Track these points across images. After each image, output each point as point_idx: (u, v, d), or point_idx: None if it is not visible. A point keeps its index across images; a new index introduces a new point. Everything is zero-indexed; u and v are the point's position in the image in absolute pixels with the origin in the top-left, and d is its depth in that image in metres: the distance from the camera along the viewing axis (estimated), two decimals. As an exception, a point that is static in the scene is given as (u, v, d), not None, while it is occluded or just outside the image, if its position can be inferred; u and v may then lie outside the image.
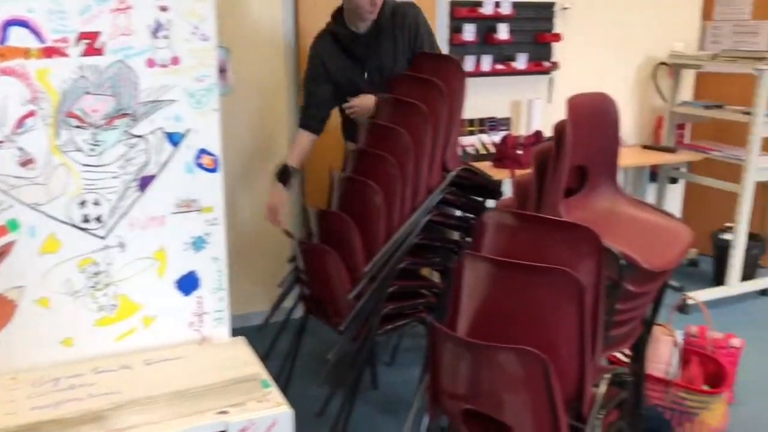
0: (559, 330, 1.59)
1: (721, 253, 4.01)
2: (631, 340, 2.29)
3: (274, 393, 1.82)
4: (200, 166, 2.02)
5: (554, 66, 3.85)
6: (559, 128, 2.07)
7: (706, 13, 4.36)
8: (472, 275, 1.72)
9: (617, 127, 2.27)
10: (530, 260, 1.66)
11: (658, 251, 2.11)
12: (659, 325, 2.59)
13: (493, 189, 2.52)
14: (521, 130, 3.89)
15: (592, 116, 2.21)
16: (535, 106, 3.85)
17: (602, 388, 1.65)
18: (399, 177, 2.27)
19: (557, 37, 3.80)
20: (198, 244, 2.07)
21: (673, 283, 4.01)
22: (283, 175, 2.76)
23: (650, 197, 4.41)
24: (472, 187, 2.52)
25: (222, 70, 3.01)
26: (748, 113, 3.66)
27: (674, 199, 4.52)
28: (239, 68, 3.21)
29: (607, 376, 1.70)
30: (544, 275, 1.58)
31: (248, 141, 3.35)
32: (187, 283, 2.08)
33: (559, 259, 1.67)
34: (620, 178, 4.28)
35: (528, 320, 1.63)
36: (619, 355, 2.62)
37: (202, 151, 2.02)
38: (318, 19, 2.79)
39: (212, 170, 2.04)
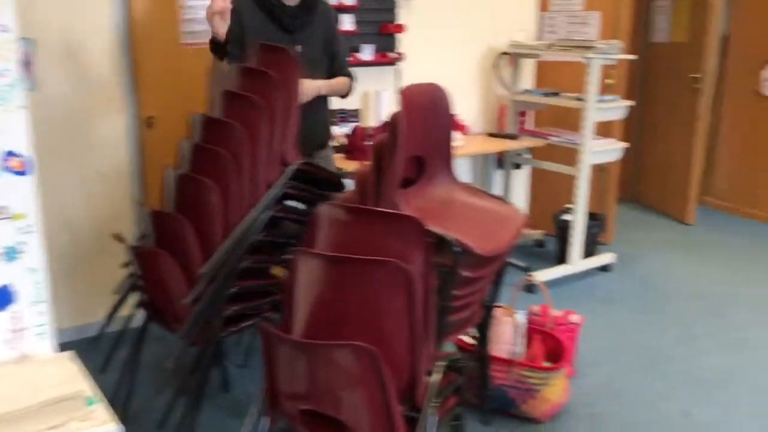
0: (391, 322, 1.59)
1: (563, 233, 4.22)
2: (472, 324, 2.35)
3: (100, 410, 1.70)
4: (8, 169, 1.84)
5: (400, 57, 3.88)
6: (394, 119, 2.07)
7: (543, 4, 4.56)
8: (305, 272, 1.68)
9: (450, 117, 2.31)
10: (364, 254, 1.65)
11: (491, 236, 2.17)
12: (500, 307, 2.68)
13: (335, 182, 2.49)
14: (371, 121, 3.90)
15: (426, 106, 2.23)
16: (383, 98, 3.88)
17: (436, 376, 1.67)
18: (235, 173, 2.19)
19: (400, 28, 3.83)
20: (10, 254, 1.89)
21: (520, 263, 4.18)
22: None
23: (497, 183, 4.58)
24: (317, 180, 2.49)
25: (27, 64, 2.78)
26: (581, 100, 3.87)
27: (520, 183, 4.72)
28: (54, 60, 2.97)
29: (442, 363, 1.72)
30: (372, 268, 1.57)
31: (74, 139, 3.12)
32: (0, 298, 1.90)
33: (391, 251, 1.66)
34: (469, 165, 4.45)
35: (361, 314, 1.61)
36: (467, 339, 2.69)
37: (9, 153, 1.84)
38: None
39: (22, 173, 1.87)
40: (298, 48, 2.71)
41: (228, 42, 2.52)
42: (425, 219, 2.11)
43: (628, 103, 4.07)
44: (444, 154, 2.36)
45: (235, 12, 2.63)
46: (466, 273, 2.09)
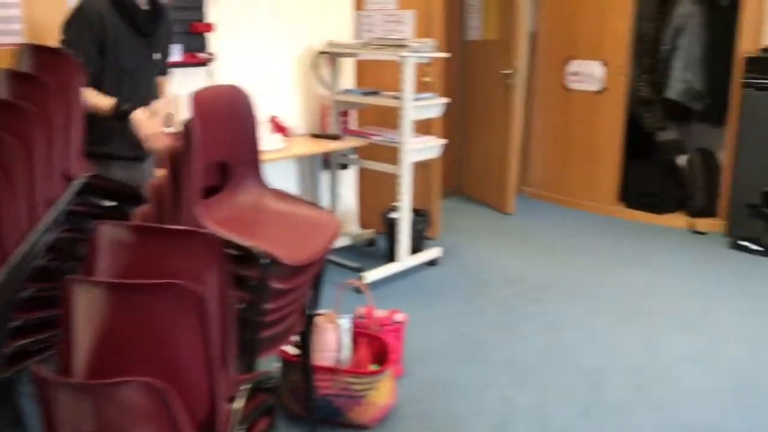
0: (183, 350, 1.45)
1: (391, 231, 4.24)
2: (291, 336, 2.25)
3: None
4: None
5: (211, 57, 3.70)
6: (187, 126, 1.92)
7: (358, 3, 4.55)
8: (83, 303, 1.49)
9: (254, 119, 2.19)
10: (152, 277, 1.48)
11: (304, 244, 2.08)
12: (323, 314, 2.60)
13: (132, 195, 2.28)
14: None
15: (225, 109, 2.10)
16: (195, 100, 3.67)
17: (239, 401, 1.55)
18: (7, 191, 1.93)
19: (209, 27, 3.65)
20: None
21: (352, 264, 4.16)
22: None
23: (324, 184, 4.52)
24: (113, 194, 2.27)
25: None
26: (399, 98, 3.89)
27: (348, 184, 4.69)
28: None
29: (247, 386, 1.61)
30: (157, 293, 1.42)
31: None
32: None
33: (182, 271, 1.52)
34: (294, 167, 4.35)
35: (149, 345, 1.45)
36: (292, 350, 2.59)
37: None
38: None
39: None
40: (157, 56, 2.70)
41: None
42: (231, 229, 1.98)
43: (445, 100, 4.16)
44: (251, 159, 2.24)
45: (95, 12, 2.48)
46: (278, 285, 1.99)
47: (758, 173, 4.69)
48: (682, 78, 4.99)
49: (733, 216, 4.86)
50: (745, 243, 4.60)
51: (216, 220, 2.02)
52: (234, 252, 1.91)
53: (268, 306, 1.98)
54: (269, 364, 2.69)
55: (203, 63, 3.69)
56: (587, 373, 3.01)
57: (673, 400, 2.79)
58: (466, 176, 6.09)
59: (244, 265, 1.91)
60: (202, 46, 3.67)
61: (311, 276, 2.19)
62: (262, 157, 2.28)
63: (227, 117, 2.10)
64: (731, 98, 4.85)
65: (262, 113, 3.91)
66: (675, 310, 3.67)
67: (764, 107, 4.64)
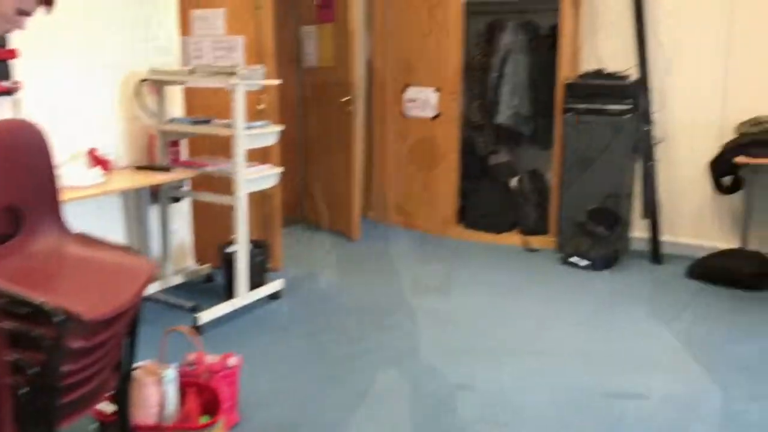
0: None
1: (229, 265, 4.04)
2: (102, 396, 2.03)
3: None
4: None
5: (17, 86, 3.35)
6: (-41, 166, 1.67)
7: (184, 29, 4.35)
8: None
9: (48, 157, 1.96)
10: None
11: (109, 294, 1.88)
12: (141, 366, 2.38)
13: None
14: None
15: (12, 148, 1.86)
16: (-3, 133, 3.30)
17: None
18: None
19: (13, 54, 3.31)
20: None
21: (187, 303, 3.92)
22: None
23: (154, 219, 4.24)
24: None
25: None
26: (231, 126, 3.72)
27: (181, 218, 4.43)
28: None
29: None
30: None
31: None
32: None
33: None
34: (118, 203, 4.04)
35: None
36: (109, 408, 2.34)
37: None
38: None
39: None
40: None
41: None
42: (21, 282, 1.75)
43: (279, 128, 4.04)
44: (47, 202, 2.00)
45: None
46: (78, 343, 1.77)
47: (582, 193, 4.98)
48: (510, 103, 5.21)
49: (562, 233, 5.11)
50: (575, 259, 4.85)
51: (3, 272, 1.77)
52: (24, 309, 1.68)
53: (68, 367, 1.76)
54: (85, 426, 2.43)
55: (7, 92, 3.33)
56: (435, 401, 2.97)
57: (515, 421, 2.81)
58: (310, 204, 6.00)
59: (36, 324, 1.69)
60: (5, 74, 3.32)
61: (122, 328, 1.98)
62: (62, 198, 2.05)
63: (14, 155, 1.86)
64: (555, 122, 5.12)
65: (78, 145, 3.63)
66: (514, 329, 3.76)
67: (584, 131, 4.94)
